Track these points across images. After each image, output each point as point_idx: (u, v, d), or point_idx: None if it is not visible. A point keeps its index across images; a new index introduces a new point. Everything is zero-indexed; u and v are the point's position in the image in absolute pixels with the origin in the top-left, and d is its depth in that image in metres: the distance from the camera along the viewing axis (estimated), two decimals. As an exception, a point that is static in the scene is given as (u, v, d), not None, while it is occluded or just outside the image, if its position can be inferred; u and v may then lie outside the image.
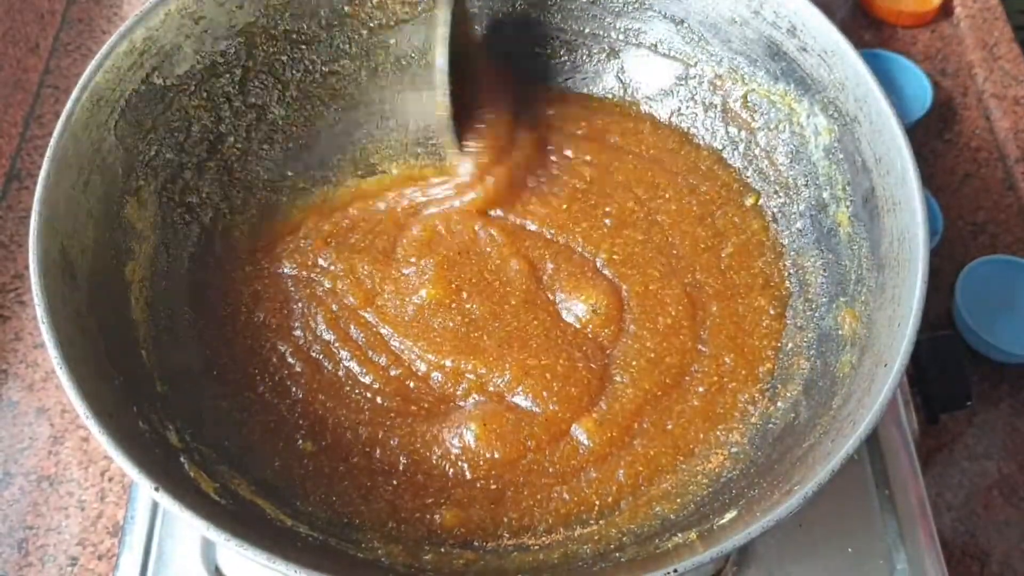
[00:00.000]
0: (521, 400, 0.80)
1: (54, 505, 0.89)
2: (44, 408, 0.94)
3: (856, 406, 0.65)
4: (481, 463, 0.77)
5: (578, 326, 0.84)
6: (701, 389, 0.81)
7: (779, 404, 0.78)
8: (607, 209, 0.90)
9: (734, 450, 0.77)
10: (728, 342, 0.83)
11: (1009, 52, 1.25)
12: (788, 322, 0.83)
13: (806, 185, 0.84)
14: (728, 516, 0.66)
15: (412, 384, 0.82)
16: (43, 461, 0.91)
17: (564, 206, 0.91)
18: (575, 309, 0.84)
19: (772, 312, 0.84)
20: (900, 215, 0.72)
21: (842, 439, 0.63)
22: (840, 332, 0.76)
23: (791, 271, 0.85)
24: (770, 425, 0.76)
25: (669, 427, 0.79)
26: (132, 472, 0.60)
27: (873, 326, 0.71)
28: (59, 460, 0.91)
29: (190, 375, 0.79)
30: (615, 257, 0.87)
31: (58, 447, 0.92)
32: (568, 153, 0.95)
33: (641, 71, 0.95)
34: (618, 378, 0.81)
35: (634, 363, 0.82)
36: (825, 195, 0.82)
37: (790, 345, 0.81)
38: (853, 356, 0.72)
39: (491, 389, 0.81)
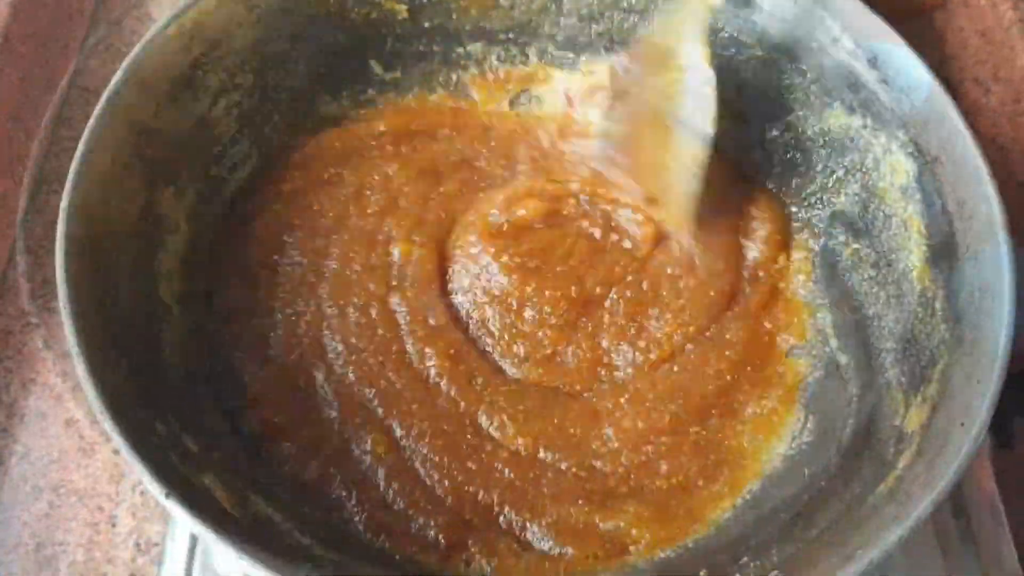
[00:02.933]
0: None
1: (84, 520, 0.84)
2: (73, 419, 0.89)
3: (926, 467, 0.60)
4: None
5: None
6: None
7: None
8: None
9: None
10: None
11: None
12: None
13: (880, 226, 0.79)
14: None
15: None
16: (72, 474, 0.86)
17: None
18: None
19: None
20: (983, 264, 0.67)
21: (911, 503, 0.58)
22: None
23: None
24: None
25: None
26: (144, 475, 0.56)
27: (948, 382, 0.66)
28: (88, 473, 0.86)
29: (215, 379, 0.76)
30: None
31: (88, 460, 0.87)
32: None
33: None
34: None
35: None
36: (899, 238, 0.77)
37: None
38: (924, 412, 0.67)
39: None
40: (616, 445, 0.77)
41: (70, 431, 0.89)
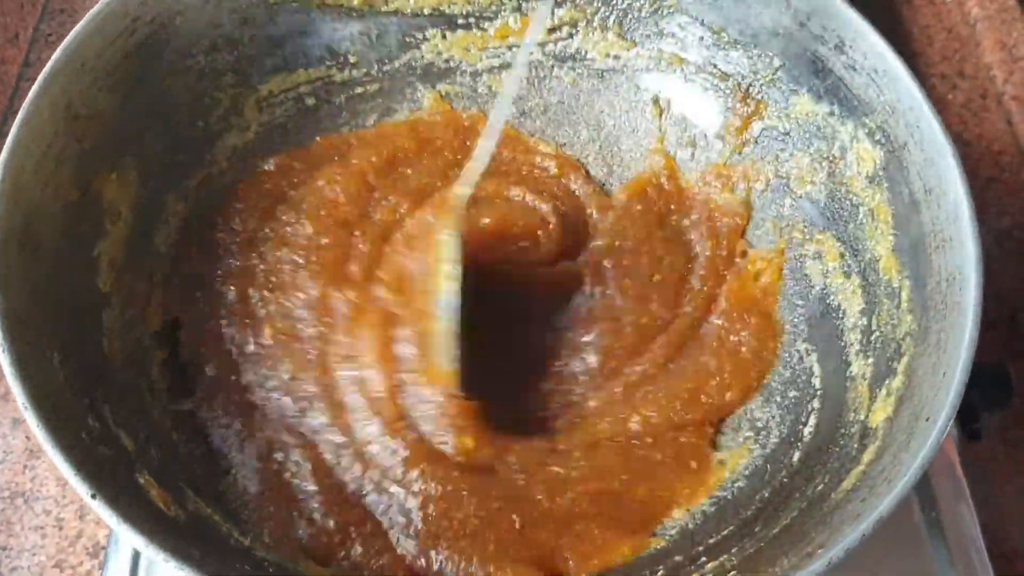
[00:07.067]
0: None
1: (29, 524, 0.81)
2: (19, 419, 0.86)
3: (892, 462, 0.58)
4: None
5: None
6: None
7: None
8: None
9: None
10: None
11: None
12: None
13: (846, 216, 0.77)
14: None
15: None
16: (18, 476, 0.84)
17: None
18: None
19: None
20: (950, 254, 0.65)
21: (874, 499, 0.56)
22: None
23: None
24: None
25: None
26: (68, 472, 0.53)
27: (913, 374, 0.64)
28: (35, 475, 0.84)
29: (155, 371, 0.72)
30: None
31: (34, 461, 0.84)
32: None
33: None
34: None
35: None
36: (866, 227, 0.75)
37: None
38: (889, 406, 0.65)
39: None
40: None
41: (16, 431, 0.86)
